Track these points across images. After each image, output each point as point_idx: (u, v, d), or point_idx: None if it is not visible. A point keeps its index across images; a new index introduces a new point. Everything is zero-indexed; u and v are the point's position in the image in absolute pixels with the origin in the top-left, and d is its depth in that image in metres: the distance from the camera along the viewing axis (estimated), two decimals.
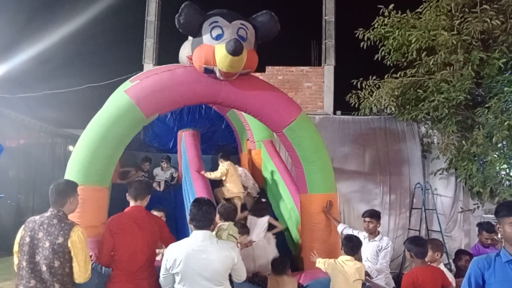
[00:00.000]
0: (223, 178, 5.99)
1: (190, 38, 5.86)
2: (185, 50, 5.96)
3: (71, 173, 4.13)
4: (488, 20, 6.72)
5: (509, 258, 2.59)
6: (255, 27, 4.39)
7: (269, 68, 9.90)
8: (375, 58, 8.36)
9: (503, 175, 6.63)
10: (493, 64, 6.79)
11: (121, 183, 6.38)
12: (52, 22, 11.12)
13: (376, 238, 4.55)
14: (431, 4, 7.53)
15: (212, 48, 4.11)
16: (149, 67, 9.71)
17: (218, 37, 4.14)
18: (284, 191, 6.17)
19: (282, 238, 5.80)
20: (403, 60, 8.18)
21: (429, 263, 3.88)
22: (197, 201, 3.24)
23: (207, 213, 3.09)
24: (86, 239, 3.09)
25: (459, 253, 4.93)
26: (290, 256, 5.25)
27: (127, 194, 3.61)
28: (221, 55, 4.02)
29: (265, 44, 4.62)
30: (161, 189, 7.15)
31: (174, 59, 6.23)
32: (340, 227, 4.75)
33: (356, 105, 8.76)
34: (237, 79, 4.38)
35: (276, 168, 6.53)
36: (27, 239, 2.99)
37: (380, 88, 8.26)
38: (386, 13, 7.92)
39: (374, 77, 8.35)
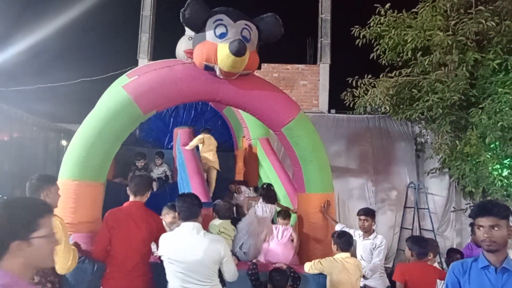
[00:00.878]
0: (200, 146, 6.69)
1: (186, 33, 5.84)
2: (181, 46, 5.96)
3: (66, 168, 4.10)
4: (483, 21, 6.77)
5: (486, 264, 2.37)
6: (258, 29, 4.37)
7: (264, 66, 9.89)
8: (370, 57, 8.39)
9: (495, 176, 6.69)
10: (488, 65, 6.85)
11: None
12: (46, 15, 10.97)
13: (371, 237, 4.58)
14: (427, 4, 7.56)
15: (214, 46, 4.09)
16: (144, 62, 9.64)
17: (221, 36, 4.12)
18: (279, 190, 6.18)
19: None
20: (398, 59, 8.21)
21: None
22: (182, 195, 3.30)
23: (192, 204, 3.13)
24: (66, 228, 3.02)
25: (450, 251, 4.99)
26: None
27: (127, 189, 3.58)
28: (223, 54, 4.00)
29: (263, 44, 4.60)
30: (155, 189, 6.81)
31: (169, 54, 6.20)
32: (338, 227, 4.73)
33: (351, 104, 8.80)
34: (236, 78, 4.37)
35: (272, 166, 6.54)
36: None
37: (375, 87, 8.29)
38: (383, 12, 7.94)
39: (369, 76, 8.39)
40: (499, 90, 6.55)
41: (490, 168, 6.77)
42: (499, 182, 6.61)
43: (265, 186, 5.29)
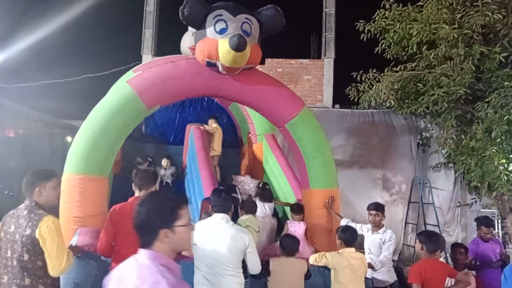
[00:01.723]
0: (213, 134, 7.08)
1: (190, 29, 5.83)
2: (186, 41, 5.94)
3: (71, 162, 4.13)
4: (490, 14, 6.68)
5: None
6: (259, 22, 4.35)
7: (268, 61, 9.85)
8: (375, 52, 8.32)
9: (501, 170, 6.62)
10: (494, 59, 6.76)
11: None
12: (50, 11, 10.99)
13: (380, 231, 4.57)
14: None
15: (215, 42, 4.08)
16: (148, 58, 9.64)
17: (222, 31, 4.10)
18: (285, 185, 6.18)
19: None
20: (403, 53, 8.14)
21: None
22: (216, 190, 3.64)
23: (226, 199, 3.46)
24: (59, 229, 2.86)
25: (455, 246, 4.96)
26: None
27: (133, 184, 3.57)
28: (224, 50, 3.98)
29: (265, 36, 4.59)
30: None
31: (173, 49, 6.19)
32: (343, 222, 4.73)
33: (356, 99, 8.75)
34: (239, 73, 4.35)
35: (277, 161, 6.53)
36: (2, 234, 2.86)
37: (380, 81, 8.24)
38: (387, 6, 7.87)
39: (374, 71, 8.33)
40: (506, 83, 6.47)
41: (496, 162, 6.70)
42: (505, 176, 6.55)
43: (260, 185, 5.54)
